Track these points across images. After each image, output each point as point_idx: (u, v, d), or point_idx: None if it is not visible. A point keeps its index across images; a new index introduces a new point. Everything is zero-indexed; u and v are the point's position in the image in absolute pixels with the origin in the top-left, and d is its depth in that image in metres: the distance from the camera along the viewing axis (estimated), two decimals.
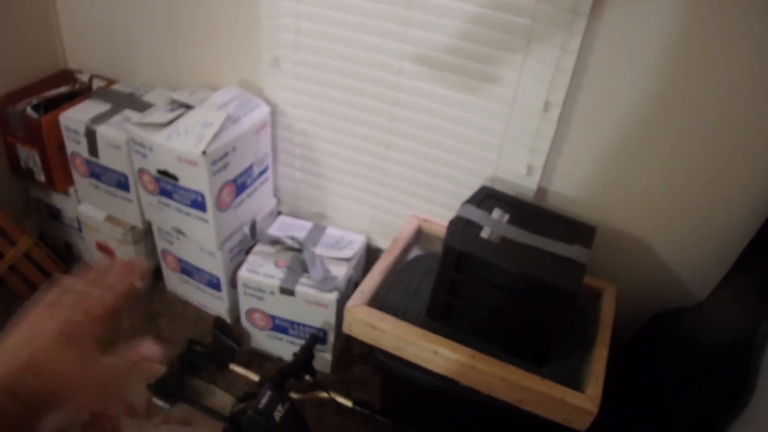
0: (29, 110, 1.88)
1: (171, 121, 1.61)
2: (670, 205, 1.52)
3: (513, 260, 1.33)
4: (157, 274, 2.06)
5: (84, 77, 2.10)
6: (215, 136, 1.55)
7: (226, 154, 1.60)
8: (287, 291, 1.63)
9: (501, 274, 1.35)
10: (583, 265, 1.35)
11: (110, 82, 2.05)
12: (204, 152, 1.52)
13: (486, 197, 1.51)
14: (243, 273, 1.66)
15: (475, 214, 1.43)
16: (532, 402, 1.38)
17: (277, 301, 1.66)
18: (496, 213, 1.45)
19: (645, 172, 1.50)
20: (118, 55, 2.05)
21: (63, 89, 2.02)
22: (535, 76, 1.42)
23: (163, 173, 1.64)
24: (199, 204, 1.64)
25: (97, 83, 2.07)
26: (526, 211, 1.51)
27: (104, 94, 1.92)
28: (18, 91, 2.00)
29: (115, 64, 2.07)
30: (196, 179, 1.59)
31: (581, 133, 1.49)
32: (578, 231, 1.47)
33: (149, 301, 2.02)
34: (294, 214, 1.95)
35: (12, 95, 1.97)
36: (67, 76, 2.13)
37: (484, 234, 1.38)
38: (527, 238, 1.39)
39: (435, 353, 1.40)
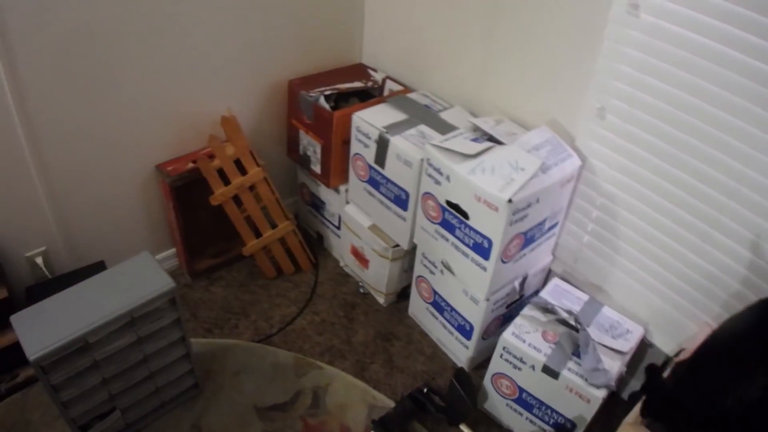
0: (322, 101, 1.86)
1: (478, 154, 1.48)
2: None
3: None
4: (402, 293, 1.97)
5: (377, 76, 2.05)
6: (524, 184, 1.40)
7: (528, 205, 1.43)
8: (551, 372, 1.43)
9: None
10: None
11: (406, 89, 1.97)
12: (510, 200, 1.37)
13: None
14: (507, 336, 1.49)
15: None
16: None
17: (534, 376, 1.48)
18: None
19: None
20: (415, 62, 1.97)
21: (356, 84, 1.99)
22: None
23: (453, 206, 1.52)
24: (482, 249, 1.50)
25: (389, 85, 2.02)
26: None
27: (400, 101, 1.84)
28: (312, 76, 2.00)
29: (411, 70, 1.99)
30: (488, 224, 1.45)
31: None
32: None
33: (388, 319, 1.93)
34: (566, 278, 1.74)
35: (306, 79, 1.98)
36: (360, 71, 2.10)
37: None
38: None
39: None
